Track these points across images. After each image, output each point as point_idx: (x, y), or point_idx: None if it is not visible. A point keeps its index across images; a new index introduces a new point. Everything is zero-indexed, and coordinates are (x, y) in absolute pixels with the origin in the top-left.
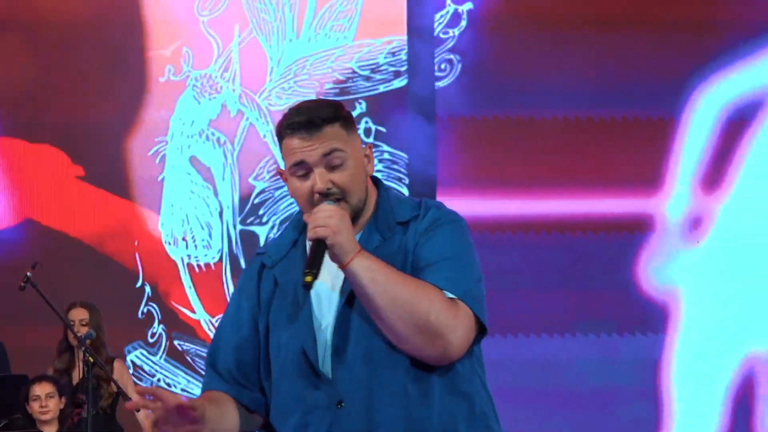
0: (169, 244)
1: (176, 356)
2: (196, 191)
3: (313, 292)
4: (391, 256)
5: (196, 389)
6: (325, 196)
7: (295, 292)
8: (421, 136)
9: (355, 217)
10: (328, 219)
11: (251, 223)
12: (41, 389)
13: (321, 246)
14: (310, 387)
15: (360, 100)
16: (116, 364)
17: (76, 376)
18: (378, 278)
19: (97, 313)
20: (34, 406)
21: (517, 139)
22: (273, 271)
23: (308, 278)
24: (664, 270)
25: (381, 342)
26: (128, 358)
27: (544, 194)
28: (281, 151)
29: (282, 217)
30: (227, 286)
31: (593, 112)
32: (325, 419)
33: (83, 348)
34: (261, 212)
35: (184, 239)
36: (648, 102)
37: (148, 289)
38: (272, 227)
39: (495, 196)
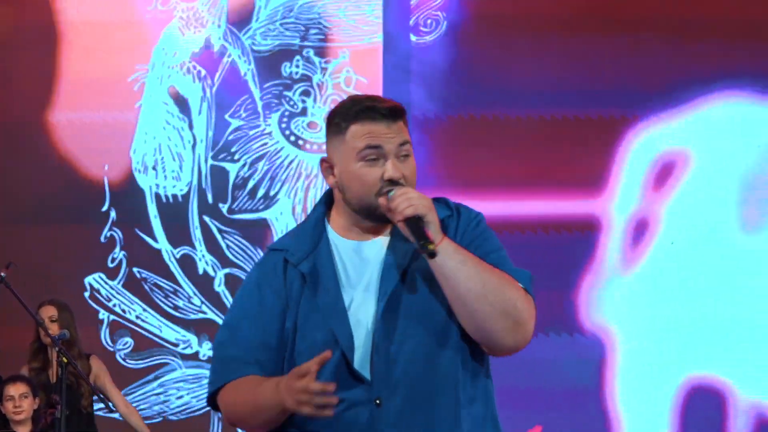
0: (139, 171)
1: (134, 284)
2: (171, 122)
3: (346, 291)
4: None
5: (151, 318)
6: (392, 185)
7: (326, 290)
8: None
9: None
10: (420, 198)
11: (223, 159)
12: (15, 389)
13: (418, 223)
14: (345, 386)
15: (344, 49)
16: (93, 361)
17: (53, 374)
18: (468, 261)
19: (66, 310)
20: (8, 406)
21: (483, 139)
22: (299, 268)
23: (431, 245)
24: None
25: (425, 343)
26: (86, 280)
27: (511, 194)
28: (341, 136)
29: (254, 157)
30: (192, 220)
31: (557, 111)
32: (361, 416)
33: (57, 348)
34: (233, 149)
35: (154, 168)
36: (611, 102)
37: (113, 213)
38: (243, 165)
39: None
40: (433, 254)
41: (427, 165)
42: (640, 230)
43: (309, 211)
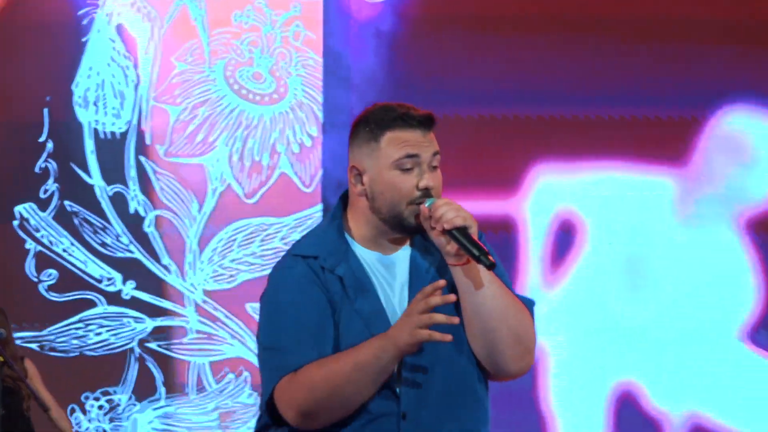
0: (80, 106)
1: (64, 217)
2: (116, 60)
3: (383, 299)
4: (430, 264)
5: (77, 252)
6: (424, 194)
7: (366, 296)
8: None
9: None
10: (461, 210)
11: (164, 102)
12: None
13: (465, 233)
14: (376, 397)
15: (296, 2)
16: (27, 363)
17: None
18: (495, 280)
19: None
20: None
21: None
22: (337, 272)
23: (491, 257)
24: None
25: (451, 358)
26: (16, 209)
27: None
28: (374, 143)
29: (195, 101)
30: (128, 158)
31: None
32: (387, 428)
33: None
34: (176, 92)
35: (95, 104)
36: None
37: (50, 145)
38: (185, 109)
39: None
40: (492, 265)
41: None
42: (563, 232)
43: (246, 160)
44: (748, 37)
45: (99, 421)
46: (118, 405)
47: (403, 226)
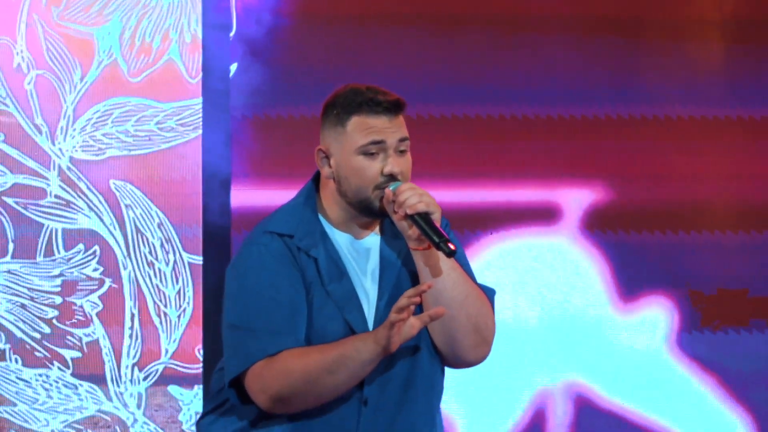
0: None
1: None
2: None
3: (355, 283)
4: (399, 250)
5: None
6: (391, 180)
7: (338, 279)
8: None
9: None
10: (425, 195)
11: None
12: None
13: (428, 219)
14: None
15: None
16: None
17: None
18: (456, 268)
19: None
20: None
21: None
22: (312, 254)
23: (452, 245)
24: None
25: (413, 345)
26: None
27: None
28: (341, 126)
29: None
30: (22, 13)
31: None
32: (348, 412)
33: None
34: None
35: None
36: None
37: None
38: None
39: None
40: (452, 253)
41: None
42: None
43: (137, 39)
44: None
45: None
46: None
47: (370, 210)
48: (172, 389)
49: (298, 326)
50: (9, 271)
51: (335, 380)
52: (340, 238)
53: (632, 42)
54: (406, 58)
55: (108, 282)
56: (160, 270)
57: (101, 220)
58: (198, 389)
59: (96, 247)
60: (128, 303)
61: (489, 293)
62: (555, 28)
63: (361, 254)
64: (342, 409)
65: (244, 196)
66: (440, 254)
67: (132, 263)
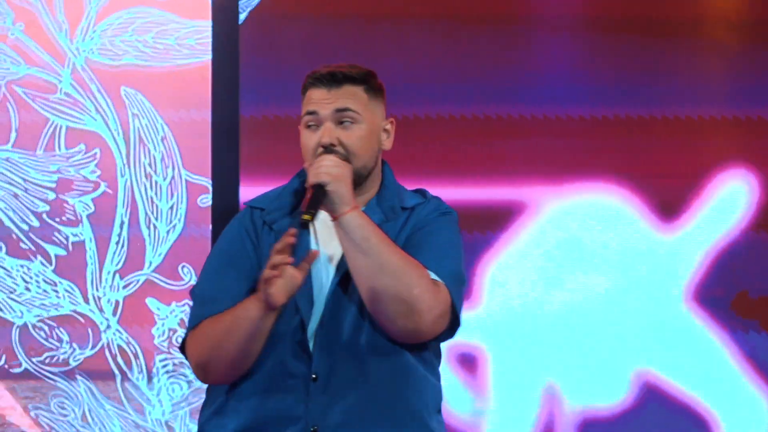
0: None
1: None
2: None
3: (315, 264)
4: (389, 235)
5: None
6: (329, 152)
7: (298, 257)
8: None
9: (358, 188)
10: (330, 167)
11: None
12: None
13: (320, 191)
14: (293, 358)
15: None
16: None
17: None
18: (371, 238)
19: None
20: None
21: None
22: (275, 228)
23: (306, 216)
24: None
25: (366, 323)
26: None
27: None
28: (302, 104)
29: None
30: None
31: None
32: (297, 387)
33: None
34: None
35: None
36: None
37: None
38: None
39: None
40: (303, 223)
41: None
42: None
43: None
44: None
45: None
46: None
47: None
48: (150, 302)
49: (224, 295)
50: (7, 159)
51: (235, 341)
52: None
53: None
54: (418, 58)
55: (103, 186)
56: (156, 183)
57: (107, 124)
58: (175, 306)
59: (97, 150)
60: (120, 210)
61: (441, 268)
62: (567, 27)
63: (329, 230)
64: (293, 382)
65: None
66: (351, 222)
67: (130, 172)
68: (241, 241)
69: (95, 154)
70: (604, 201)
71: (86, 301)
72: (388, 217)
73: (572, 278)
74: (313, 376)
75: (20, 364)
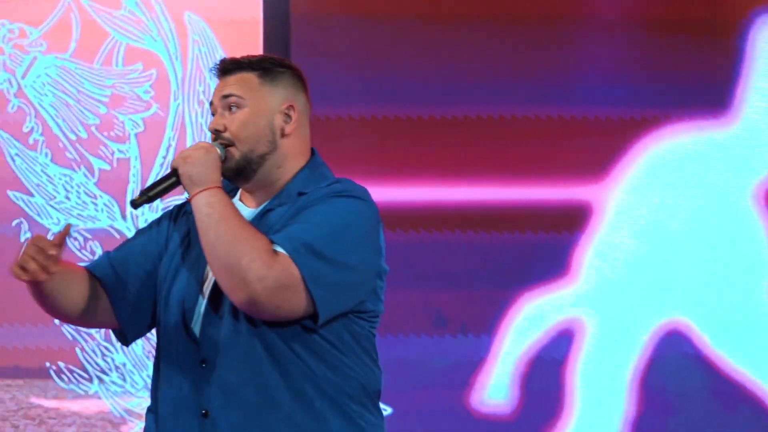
0: None
1: None
2: None
3: None
4: (275, 221)
5: None
6: (217, 138)
7: (196, 247)
8: None
9: (257, 173)
10: (189, 150)
11: None
12: None
13: (172, 175)
14: (184, 345)
15: None
16: None
17: None
18: (213, 215)
19: None
20: None
21: None
22: (191, 218)
23: (137, 198)
24: None
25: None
26: None
27: None
28: None
29: None
30: None
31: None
32: (189, 376)
33: None
34: None
35: None
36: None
37: None
38: None
39: None
40: (132, 203)
41: None
42: None
43: None
44: None
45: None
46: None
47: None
48: None
49: (100, 262)
50: (64, 68)
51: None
52: (240, 206)
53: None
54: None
55: (155, 107)
56: (207, 111)
57: (166, 47)
58: None
59: (154, 71)
60: (168, 133)
61: (287, 239)
62: (596, 27)
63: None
64: (185, 366)
65: None
66: (198, 201)
67: (183, 97)
68: (158, 222)
69: (151, 74)
70: None
71: (123, 218)
72: (281, 202)
73: None
74: (202, 359)
75: None
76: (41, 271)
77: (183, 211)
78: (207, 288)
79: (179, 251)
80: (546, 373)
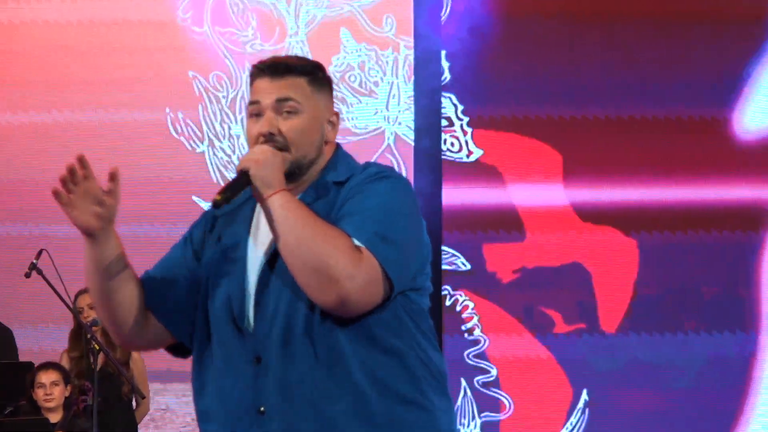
0: None
1: None
2: None
3: (249, 250)
4: (322, 214)
5: None
6: (269, 141)
7: (235, 246)
8: None
9: (299, 177)
10: (256, 153)
11: None
12: (46, 377)
13: (243, 177)
14: (234, 340)
15: None
16: (134, 353)
17: (99, 361)
18: (290, 215)
19: None
20: (39, 393)
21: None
22: (217, 213)
23: (218, 197)
24: None
25: (300, 299)
26: None
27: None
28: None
29: None
30: None
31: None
32: (245, 374)
33: (89, 335)
34: None
35: None
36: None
37: None
38: None
39: None
40: (215, 204)
41: None
42: None
43: None
44: None
45: None
46: None
47: None
48: None
49: (156, 269)
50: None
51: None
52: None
53: None
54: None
55: None
56: None
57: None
58: None
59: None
60: None
61: (361, 231)
62: None
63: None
64: (238, 365)
65: None
66: (273, 203)
67: None
68: (196, 226)
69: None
70: None
71: None
72: (319, 194)
73: None
74: (257, 356)
75: None
76: (97, 218)
77: (211, 216)
78: (252, 287)
79: (216, 255)
80: None
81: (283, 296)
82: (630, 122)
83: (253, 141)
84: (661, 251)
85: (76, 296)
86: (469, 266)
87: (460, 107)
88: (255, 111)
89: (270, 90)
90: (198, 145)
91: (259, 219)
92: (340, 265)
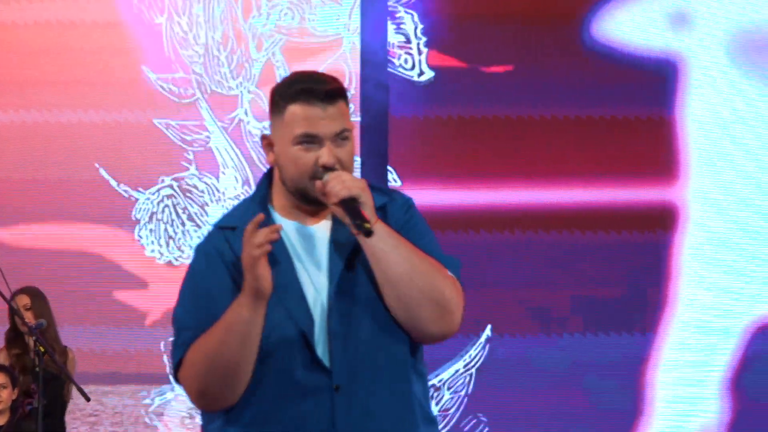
0: None
1: None
2: None
3: (297, 269)
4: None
5: None
6: (327, 170)
7: (278, 266)
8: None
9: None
10: (354, 180)
11: None
12: None
13: (355, 202)
14: (304, 370)
15: None
16: (70, 353)
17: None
18: (400, 245)
19: (40, 298)
20: None
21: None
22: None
23: (368, 224)
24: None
25: (377, 328)
26: None
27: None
28: (280, 115)
29: None
30: None
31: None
32: (321, 403)
33: (35, 338)
34: None
35: None
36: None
37: None
38: None
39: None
40: (369, 233)
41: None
42: None
43: None
44: None
45: None
46: None
47: (307, 199)
48: None
49: (202, 318)
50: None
51: (230, 351)
52: (287, 226)
53: None
54: None
55: None
56: None
57: None
58: None
59: None
60: None
61: (450, 264)
62: None
63: (309, 241)
64: (316, 397)
65: None
66: (382, 231)
67: None
68: (215, 265)
69: None
70: None
71: None
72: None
73: None
74: (336, 386)
75: None
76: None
77: (224, 249)
78: (319, 312)
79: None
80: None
81: (361, 324)
82: (533, 122)
83: (307, 170)
84: (570, 251)
85: (11, 297)
86: None
87: (420, 26)
88: (307, 140)
89: (325, 120)
90: None
91: (293, 242)
92: (454, 296)
